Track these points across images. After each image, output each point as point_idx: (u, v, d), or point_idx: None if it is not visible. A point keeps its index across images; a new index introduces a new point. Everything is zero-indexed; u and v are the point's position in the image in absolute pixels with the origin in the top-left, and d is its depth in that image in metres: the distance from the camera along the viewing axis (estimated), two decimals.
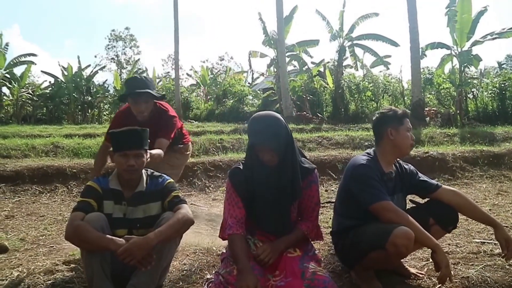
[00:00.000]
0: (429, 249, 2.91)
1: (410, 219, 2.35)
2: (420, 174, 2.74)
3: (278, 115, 2.39)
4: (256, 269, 2.22)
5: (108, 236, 2.24)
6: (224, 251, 2.54)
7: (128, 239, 2.18)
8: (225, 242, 3.43)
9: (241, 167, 2.46)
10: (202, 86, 28.36)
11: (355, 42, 19.62)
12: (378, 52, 19.76)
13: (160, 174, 2.65)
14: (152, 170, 2.65)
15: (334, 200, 2.88)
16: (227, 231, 2.37)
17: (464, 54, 14.90)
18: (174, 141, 3.69)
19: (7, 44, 22.65)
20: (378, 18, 19.53)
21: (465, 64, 15.11)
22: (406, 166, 2.76)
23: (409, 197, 2.82)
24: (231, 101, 22.97)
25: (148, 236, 2.22)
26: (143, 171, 2.59)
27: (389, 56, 21.03)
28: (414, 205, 2.78)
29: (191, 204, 5.50)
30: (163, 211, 2.48)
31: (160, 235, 2.23)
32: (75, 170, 6.75)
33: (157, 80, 28.71)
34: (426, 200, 2.74)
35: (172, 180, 2.63)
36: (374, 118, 2.79)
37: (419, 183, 2.69)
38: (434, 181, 2.70)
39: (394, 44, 18.42)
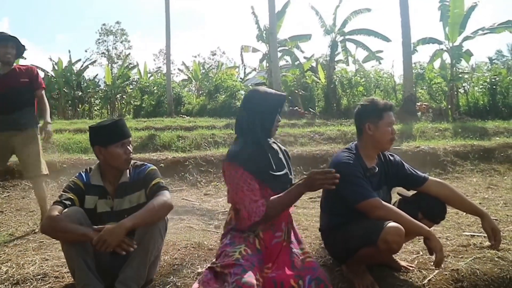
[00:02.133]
0: (419, 242, 2.93)
1: (399, 213, 2.34)
2: (407, 166, 2.69)
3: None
4: (255, 260, 2.16)
5: (83, 226, 2.22)
6: (220, 245, 2.41)
7: (101, 229, 2.15)
8: (217, 237, 3.44)
9: (238, 148, 2.33)
10: (193, 81, 28.27)
11: (347, 37, 19.63)
12: (370, 47, 19.80)
13: (142, 162, 2.64)
14: (134, 160, 2.63)
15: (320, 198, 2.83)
16: (260, 214, 2.20)
17: (455, 49, 14.97)
18: None
19: None
20: (371, 13, 19.55)
21: (456, 60, 15.18)
22: (391, 157, 2.72)
23: (397, 189, 2.81)
24: (223, 96, 22.89)
25: (122, 221, 2.20)
26: None
27: (381, 51, 21.03)
28: (401, 198, 2.76)
29: (183, 199, 5.48)
30: (147, 200, 2.46)
31: (135, 219, 2.21)
32: (65, 165, 6.71)
33: (148, 75, 28.53)
34: (413, 192, 2.74)
35: (154, 167, 2.60)
36: (355, 110, 2.76)
37: (406, 177, 2.66)
38: (421, 174, 2.66)
39: (386, 39, 18.46)
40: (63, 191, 2.45)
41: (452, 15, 14.41)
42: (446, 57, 16.12)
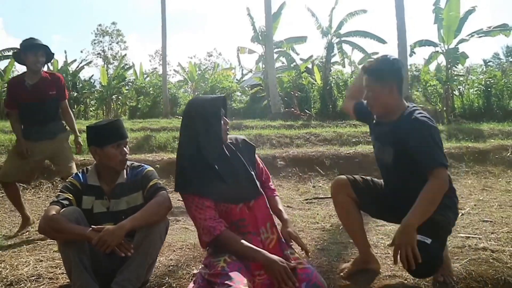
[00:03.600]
0: None
1: None
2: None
3: None
4: (241, 265, 2.08)
5: (81, 226, 2.22)
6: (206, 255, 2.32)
7: (101, 229, 2.15)
8: None
9: (186, 165, 2.21)
10: (189, 82, 28.23)
11: (343, 38, 19.67)
12: (366, 49, 19.85)
13: (139, 164, 2.64)
14: (131, 162, 2.63)
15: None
16: (212, 233, 2.09)
17: (451, 52, 15.03)
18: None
19: None
20: (366, 15, 19.64)
21: (451, 62, 15.23)
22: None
23: None
24: None
25: (121, 222, 2.21)
26: None
27: (377, 53, 21.03)
28: None
29: (178, 200, 5.45)
30: (144, 201, 2.46)
31: (134, 220, 2.22)
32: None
33: (144, 76, 28.48)
34: None
35: (151, 168, 2.61)
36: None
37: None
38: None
39: (382, 41, 18.51)
40: (60, 191, 2.44)
41: (447, 17, 14.46)
42: (442, 59, 16.18)
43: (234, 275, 1.96)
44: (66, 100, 4.27)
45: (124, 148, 2.50)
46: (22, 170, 4.03)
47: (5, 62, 23.41)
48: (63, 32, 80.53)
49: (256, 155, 2.47)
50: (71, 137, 4.34)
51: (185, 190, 2.19)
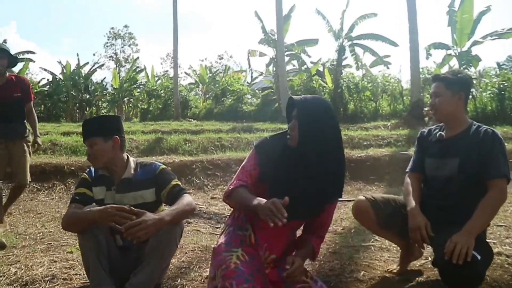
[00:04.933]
0: (428, 248, 2.91)
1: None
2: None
3: (330, 108, 2.17)
4: (254, 269, 1.96)
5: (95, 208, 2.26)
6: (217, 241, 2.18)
7: (139, 213, 2.11)
8: None
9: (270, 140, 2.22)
10: (200, 84, 28.34)
11: (355, 41, 19.60)
12: (377, 52, 19.76)
13: (151, 161, 2.63)
14: (142, 159, 2.65)
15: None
16: (230, 187, 2.10)
17: (463, 55, 14.92)
18: None
19: (4, 41, 22.60)
20: (378, 18, 19.54)
21: (464, 65, 15.12)
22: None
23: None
24: (230, 100, 22.93)
25: (161, 215, 2.18)
26: (131, 159, 2.59)
27: (389, 56, 20.97)
28: None
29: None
30: (158, 199, 2.47)
31: (171, 216, 2.20)
32: (73, 168, 6.75)
33: (156, 79, 28.66)
34: None
35: (164, 166, 2.58)
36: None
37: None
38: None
39: (393, 44, 18.42)
40: (75, 188, 2.52)
41: (460, 20, 14.37)
42: (454, 62, 16.07)
43: (251, 278, 1.88)
44: (32, 102, 4.42)
45: (91, 148, 2.46)
46: None
47: (19, 65, 23.74)
48: (75, 35, 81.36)
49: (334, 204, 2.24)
50: (31, 138, 4.44)
51: (257, 147, 2.17)
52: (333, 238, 3.65)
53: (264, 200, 1.87)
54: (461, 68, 15.25)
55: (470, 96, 12.63)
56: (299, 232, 2.34)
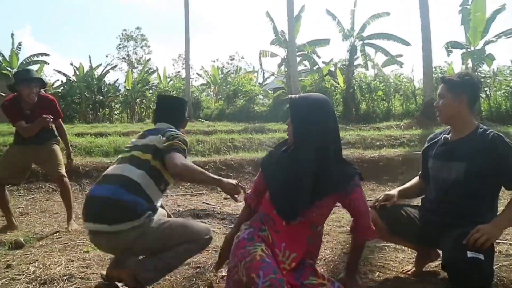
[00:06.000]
0: None
1: None
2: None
3: (324, 102, 2.17)
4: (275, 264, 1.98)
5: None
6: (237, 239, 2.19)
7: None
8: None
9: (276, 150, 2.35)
10: (212, 85, 28.43)
11: (366, 41, 19.51)
12: (390, 51, 19.63)
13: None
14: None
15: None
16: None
17: (477, 53, 14.76)
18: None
19: (19, 44, 22.92)
20: (390, 17, 19.40)
21: (478, 64, 14.96)
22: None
23: None
24: (242, 100, 22.96)
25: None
26: None
27: (401, 56, 20.79)
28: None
29: (203, 203, 5.52)
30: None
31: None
32: (87, 168, 6.84)
33: (168, 80, 28.81)
34: None
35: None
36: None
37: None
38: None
39: (406, 43, 18.29)
40: (178, 141, 2.44)
41: (473, 18, 14.22)
42: (468, 61, 15.88)
43: (273, 266, 1.91)
44: (60, 119, 4.56)
45: None
46: (12, 172, 4.25)
47: (34, 67, 24.05)
48: (88, 37, 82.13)
49: (352, 187, 2.17)
50: (65, 153, 4.63)
51: (262, 164, 2.38)
52: (347, 239, 3.64)
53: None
54: (474, 67, 15.10)
55: (484, 96, 12.48)
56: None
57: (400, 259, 3.03)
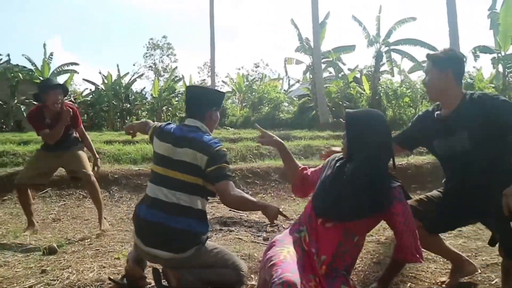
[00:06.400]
0: (477, 260, 2.83)
1: None
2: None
3: (380, 117, 2.18)
4: (299, 266, 1.99)
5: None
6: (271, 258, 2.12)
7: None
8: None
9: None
10: (237, 93, 28.60)
11: (392, 47, 19.35)
12: (416, 57, 19.41)
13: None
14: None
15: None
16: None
17: (508, 58, 14.44)
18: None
19: (51, 54, 23.57)
20: (416, 22, 19.21)
21: (509, 67, 14.63)
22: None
23: None
24: (267, 108, 23.03)
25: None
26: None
27: None
28: None
29: (230, 210, 5.53)
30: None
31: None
32: (116, 176, 6.94)
33: None
34: None
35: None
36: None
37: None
38: None
39: (433, 48, 17.99)
40: (225, 163, 2.45)
41: (503, 22, 13.94)
42: (498, 65, 15.56)
43: (298, 270, 1.91)
44: (81, 127, 4.69)
45: None
46: (38, 173, 4.42)
47: (65, 77, 24.70)
48: (116, 46, 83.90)
49: (391, 201, 2.10)
50: (92, 159, 4.77)
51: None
52: (376, 248, 3.60)
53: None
54: (506, 72, 14.77)
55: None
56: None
57: (432, 269, 2.98)
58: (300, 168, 2.52)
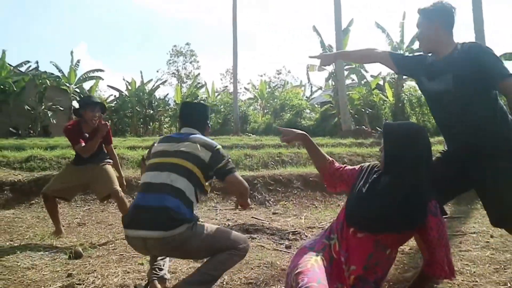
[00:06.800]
0: (506, 273, 2.75)
1: None
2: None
3: (420, 131, 2.16)
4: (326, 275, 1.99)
5: None
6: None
7: None
8: (288, 257, 3.45)
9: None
10: (259, 99, 28.67)
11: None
12: None
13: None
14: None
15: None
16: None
17: None
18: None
19: (78, 61, 24.10)
20: None
21: None
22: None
23: None
24: (289, 114, 23.01)
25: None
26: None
27: None
28: None
29: (252, 217, 5.54)
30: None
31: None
32: (139, 181, 7.00)
33: (216, 94, 29.35)
34: None
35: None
36: None
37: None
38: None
39: None
40: (231, 160, 2.67)
41: None
42: None
43: (324, 281, 1.89)
44: (111, 145, 4.85)
45: None
46: (64, 187, 4.51)
47: (90, 83, 25.22)
48: (139, 53, 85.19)
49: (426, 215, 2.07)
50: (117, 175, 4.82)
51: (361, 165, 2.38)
52: (401, 258, 3.54)
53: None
54: None
55: None
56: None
57: (459, 281, 2.91)
58: (328, 162, 2.48)
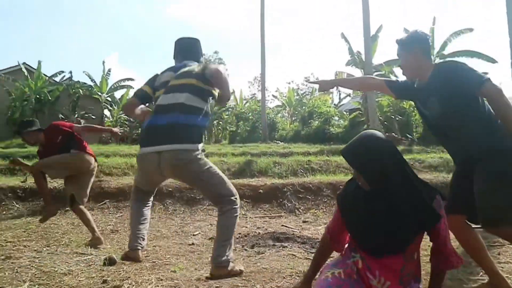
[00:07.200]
0: None
1: None
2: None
3: (379, 139, 2.04)
4: (344, 285, 2.03)
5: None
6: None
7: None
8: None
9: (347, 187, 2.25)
10: (287, 107, 28.65)
11: (447, 59, 18.78)
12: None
13: None
14: None
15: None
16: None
17: None
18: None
19: (109, 70, 24.70)
20: (473, 33, 18.59)
21: None
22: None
23: None
24: (317, 122, 22.89)
25: None
26: None
27: (486, 73, 19.71)
28: None
29: (282, 225, 5.53)
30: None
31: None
32: (170, 189, 7.11)
33: (244, 102, 29.50)
34: None
35: None
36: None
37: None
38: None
39: (491, 60, 17.37)
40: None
41: None
42: None
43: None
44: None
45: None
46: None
47: (121, 92, 25.77)
48: (169, 61, 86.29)
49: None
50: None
51: (337, 199, 2.28)
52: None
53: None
54: None
55: None
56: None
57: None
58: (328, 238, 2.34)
